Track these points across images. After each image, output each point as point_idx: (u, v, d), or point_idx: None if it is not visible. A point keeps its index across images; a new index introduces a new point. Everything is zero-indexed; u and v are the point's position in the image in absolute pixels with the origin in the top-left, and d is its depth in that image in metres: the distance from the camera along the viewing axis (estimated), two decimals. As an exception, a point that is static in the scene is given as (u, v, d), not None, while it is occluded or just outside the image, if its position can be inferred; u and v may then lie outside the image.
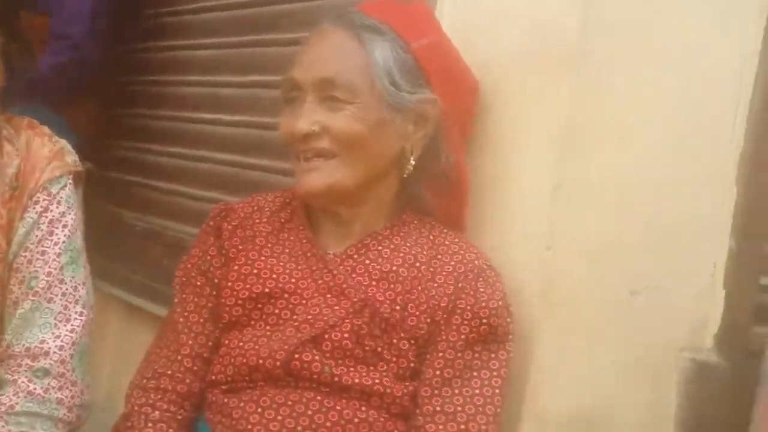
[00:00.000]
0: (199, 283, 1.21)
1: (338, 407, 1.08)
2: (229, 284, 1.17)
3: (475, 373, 1.10)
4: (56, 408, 1.15)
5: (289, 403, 1.08)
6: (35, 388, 1.13)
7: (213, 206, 1.30)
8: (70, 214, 1.17)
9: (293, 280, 1.16)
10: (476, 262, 1.16)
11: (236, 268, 1.18)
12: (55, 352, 1.13)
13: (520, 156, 1.23)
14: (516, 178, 1.24)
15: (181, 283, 1.24)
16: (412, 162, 1.18)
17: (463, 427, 1.07)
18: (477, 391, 1.09)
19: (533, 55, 1.23)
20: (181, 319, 1.20)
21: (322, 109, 1.13)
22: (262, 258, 1.18)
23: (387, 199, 1.20)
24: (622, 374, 1.28)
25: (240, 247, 1.21)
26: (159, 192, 2.12)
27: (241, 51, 1.92)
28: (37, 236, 1.14)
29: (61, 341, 1.14)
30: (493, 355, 1.12)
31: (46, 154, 1.16)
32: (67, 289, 1.16)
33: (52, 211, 1.15)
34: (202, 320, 1.19)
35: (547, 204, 1.19)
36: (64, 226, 1.16)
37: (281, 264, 1.17)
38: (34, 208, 1.14)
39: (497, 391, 1.10)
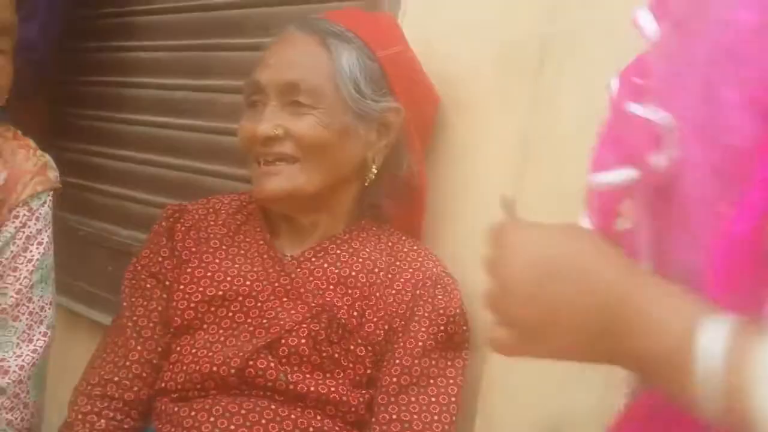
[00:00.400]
0: (149, 286, 1.17)
1: (293, 416, 1.06)
2: (182, 287, 1.14)
3: (431, 381, 1.10)
4: (4, 429, 1.11)
5: (243, 411, 1.05)
6: None
7: (166, 207, 1.27)
8: (46, 231, 1.15)
9: (248, 283, 1.13)
10: (434, 269, 1.16)
11: (189, 270, 1.15)
12: (14, 371, 1.10)
13: (480, 166, 1.24)
14: (476, 188, 1.24)
15: (130, 286, 1.20)
16: (374, 170, 1.17)
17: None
18: (433, 399, 1.09)
19: (493, 67, 1.25)
20: (129, 324, 1.16)
21: (285, 113, 1.12)
22: (217, 260, 1.16)
23: (347, 206, 1.20)
24: (574, 378, 1.29)
25: (194, 249, 1.18)
26: (104, 195, 2.06)
27: (196, 54, 1.88)
28: (12, 251, 1.11)
29: (22, 361, 1.11)
30: (449, 363, 1.11)
31: (30, 168, 1.14)
32: (34, 309, 1.13)
33: (29, 227, 1.13)
34: (151, 324, 1.15)
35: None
36: (39, 244, 1.14)
37: (236, 266, 1.15)
38: (14, 222, 1.11)
39: (453, 399, 1.10)
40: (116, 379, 1.13)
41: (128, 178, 2.01)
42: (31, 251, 1.13)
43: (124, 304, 1.19)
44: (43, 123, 2.08)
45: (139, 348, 1.15)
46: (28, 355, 1.12)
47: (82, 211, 2.07)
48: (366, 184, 1.19)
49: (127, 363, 1.14)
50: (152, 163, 1.94)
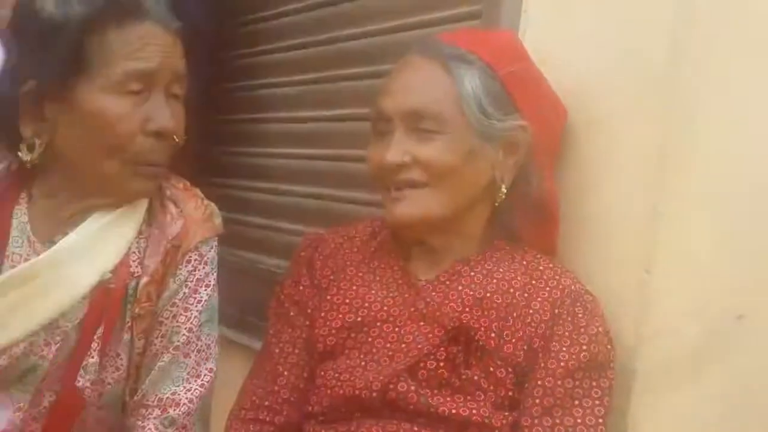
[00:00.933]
0: (292, 314, 1.23)
1: None
2: (323, 314, 1.18)
3: (576, 402, 1.07)
4: None
5: None
6: None
7: (303, 237, 1.32)
8: (212, 274, 1.21)
9: (385, 308, 1.16)
10: (573, 287, 1.14)
11: (329, 298, 1.19)
12: (184, 404, 1.16)
13: (614, 178, 1.21)
14: (610, 201, 1.21)
15: (275, 314, 1.26)
16: (504, 190, 1.17)
17: None
18: (579, 420, 1.06)
19: (622, 75, 1.21)
20: (276, 350, 1.22)
21: (411, 140, 1.14)
22: (354, 287, 1.19)
23: (478, 227, 1.20)
24: (728, 408, 1.22)
25: (332, 277, 1.22)
26: (248, 226, 2.17)
27: (323, 86, 1.94)
28: (184, 293, 1.17)
29: (191, 394, 1.17)
30: (594, 383, 1.08)
31: (200, 217, 1.21)
32: (201, 346, 1.19)
33: (199, 270, 1.19)
34: (297, 351, 1.20)
35: (644, 226, 1.15)
36: (207, 286, 1.20)
37: (373, 292, 1.18)
38: (186, 266, 1.18)
39: (600, 420, 1.07)
40: (266, 403, 1.19)
41: (270, 209, 2.11)
42: (200, 293, 1.19)
43: (270, 331, 1.25)
44: (190, 161, 2.22)
45: (285, 374, 1.20)
46: (196, 389, 1.17)
47: (230, 242, 2.18)
48: (496, 204, 1.18)
49: (276, 388, 1.20)
50: (291, 194, 2.03)
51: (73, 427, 1.13)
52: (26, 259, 1.14)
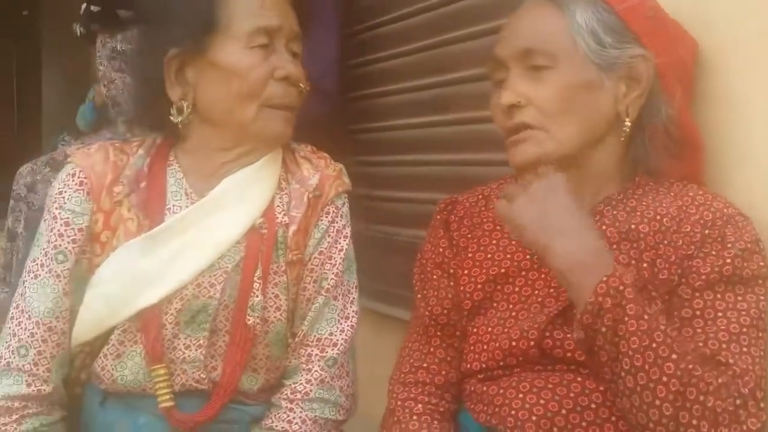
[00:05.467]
0: (435, 277, 1.25)
1: (601, 388, 1.04)
2: (466, 272, 1.20)
3: (720, 314, 1.02)
4: (339, 395, 1.29)
5: (550, 386, 1.06)
6: (326, 377, 1.27)
7: (438, 202, 1.33)
8: (347, 227, 1.34)
9: (528, 256, 1.16)
10: (725, 210, 1.09)
11: (470, 255, 1.21)
12: (341, 344, 1.29)
13: (756, 108, 1.14)
14: (752, 131, 1.15)
15: (419, 280, 1.29)
16: (627, 124, 1.13)
17: (712, 350, 0.99)
18: (723, 329, 1.01)
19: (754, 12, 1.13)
20: (426, 314, 1.24)
21: (526, 79, 1.13)
22: (494, 241, 1.20)
23: (611, 164, 1.16)
24: None
25: (469, 236, 1.23)
26: (382, 200, 2.21)
27: (443, 50, 1.96)
28: (327, 242, 1.30)
29: (345, 335, 1.30)
30: (740, 298, 1.03)
31: (332, 173, 1.34)
32: (346, 290, 1.32)
33: (337, 222, 1.32)
34: (445, 311, 1.22)
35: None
36: (345, 237, 1.33)
37: (513, 243, 1.18)
38: (326, 218, 1.31)
39: (745, 330, 1.00)
40: (425, 365, 1.22)
41: (402, 181, 2.13)
42: (340, 242, 1.32)
43: (418, 296, 1.28)
44: (323, 140, 2.26)
45: (438, 334, 1.23)
46: (347, 329, 1.30)
47: (365, 217, 2.24)
48: (621, 138, 1.14)
49: (431, 349, 1.23)
50: (421, 163, 2.05)
51: (246, 362, 1.25)
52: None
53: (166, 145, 1.33)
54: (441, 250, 1.26)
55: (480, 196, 1.28)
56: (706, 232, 1.07)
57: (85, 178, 1.25)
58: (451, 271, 1.23)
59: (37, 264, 1.24)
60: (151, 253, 1.23)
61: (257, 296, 1.23)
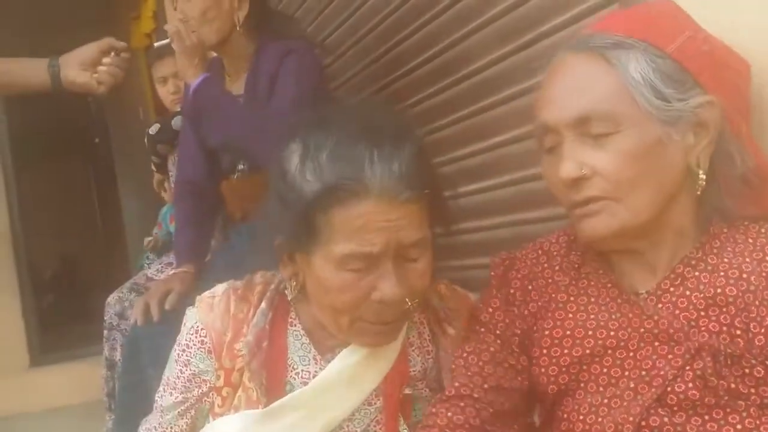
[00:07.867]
0: (482, 331, 1.18)
1: None
2: (545, 351, 1.11)
3: None
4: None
5: None
6: None
7: (491, 259, 1.25)
8: None
9: (612, 333, 1.07)
10: None
11: (547, 332, 1.12)
12: None
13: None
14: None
15: (466, 334, 1.21)
16: (702, 176, 1.04)
17: None
18: None
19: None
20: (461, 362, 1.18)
21: (586, 147, 1.04)
22: (570, 315, 1.11)
23: (688, 221, 1.08)
24: None
25: (539, 303, 1.15)
26: (455, 270, 2.15)
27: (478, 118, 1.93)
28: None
29: None
30: None
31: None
32: None
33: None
34: (480, 363, 1.15)
35: None
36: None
37: (592, 317, 1.09)
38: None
39: None
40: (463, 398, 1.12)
41: (463, 249, 2.07)
42: None
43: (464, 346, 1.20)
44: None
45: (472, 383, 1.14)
46: None
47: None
48: (698, 192, 1.06)
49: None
50: (480, 229, 1.98)
51: None
52: (314, 375, 1.24)
53: (287, 302, 1.30)
54: (490, 310, 1.18)
55: (540, 251, 1.20)
56: None
57: (205, 336, 1.26)
58: (498, 332, 1.16)
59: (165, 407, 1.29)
60: (270, 424, 1.22)
61: None
